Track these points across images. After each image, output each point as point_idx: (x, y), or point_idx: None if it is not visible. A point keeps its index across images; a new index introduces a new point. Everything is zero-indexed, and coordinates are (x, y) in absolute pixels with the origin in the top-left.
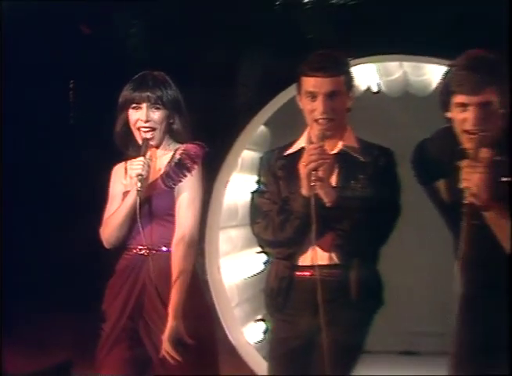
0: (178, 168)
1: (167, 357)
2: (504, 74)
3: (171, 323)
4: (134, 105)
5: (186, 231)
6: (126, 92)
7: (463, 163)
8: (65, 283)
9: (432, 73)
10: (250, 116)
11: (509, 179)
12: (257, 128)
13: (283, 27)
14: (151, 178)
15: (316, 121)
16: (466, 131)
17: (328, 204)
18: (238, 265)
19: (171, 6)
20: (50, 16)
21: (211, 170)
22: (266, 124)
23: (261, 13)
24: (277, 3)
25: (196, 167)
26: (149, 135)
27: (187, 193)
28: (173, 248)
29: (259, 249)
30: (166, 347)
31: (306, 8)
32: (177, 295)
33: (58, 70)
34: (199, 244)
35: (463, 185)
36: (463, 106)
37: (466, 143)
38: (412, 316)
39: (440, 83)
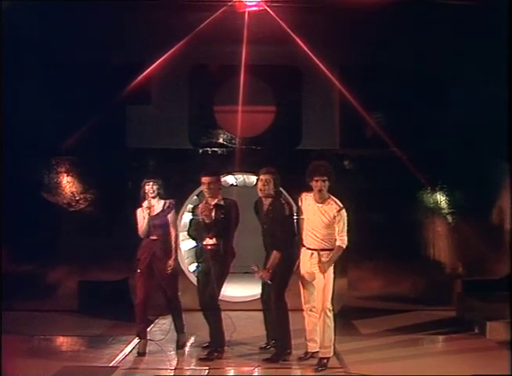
0: (169, 208)
1: (169, 270)
2: (275, 173)
3: (171, 260)
4: (147, 182)
5: (175, 235)
6: (144, 180)
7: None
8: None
9: (254, 178)
10: (192, 191)
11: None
12: (193, 197)
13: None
14: (155, 211)
15: (206, 193)
16: (260, 191)
17: (208, 222)
18: (186, 244)
19: None
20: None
21: (178, 209)
22: (197, 195)
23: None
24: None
25: (174, 208)
26: (152, 195)
27: (172, 219)
28: (172, 242)
29: (191, 239)
30: (169, 266)
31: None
32: (174, 254)
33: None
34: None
35: (264, 212)
36: (260, 180)
37: (260, 195)
38: (247, 259)
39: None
